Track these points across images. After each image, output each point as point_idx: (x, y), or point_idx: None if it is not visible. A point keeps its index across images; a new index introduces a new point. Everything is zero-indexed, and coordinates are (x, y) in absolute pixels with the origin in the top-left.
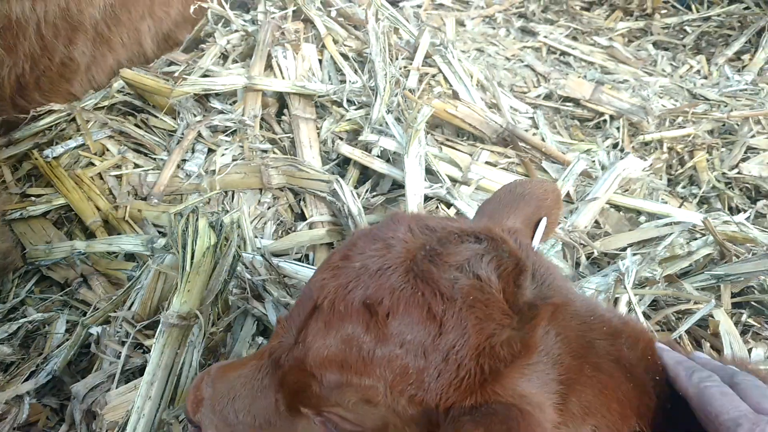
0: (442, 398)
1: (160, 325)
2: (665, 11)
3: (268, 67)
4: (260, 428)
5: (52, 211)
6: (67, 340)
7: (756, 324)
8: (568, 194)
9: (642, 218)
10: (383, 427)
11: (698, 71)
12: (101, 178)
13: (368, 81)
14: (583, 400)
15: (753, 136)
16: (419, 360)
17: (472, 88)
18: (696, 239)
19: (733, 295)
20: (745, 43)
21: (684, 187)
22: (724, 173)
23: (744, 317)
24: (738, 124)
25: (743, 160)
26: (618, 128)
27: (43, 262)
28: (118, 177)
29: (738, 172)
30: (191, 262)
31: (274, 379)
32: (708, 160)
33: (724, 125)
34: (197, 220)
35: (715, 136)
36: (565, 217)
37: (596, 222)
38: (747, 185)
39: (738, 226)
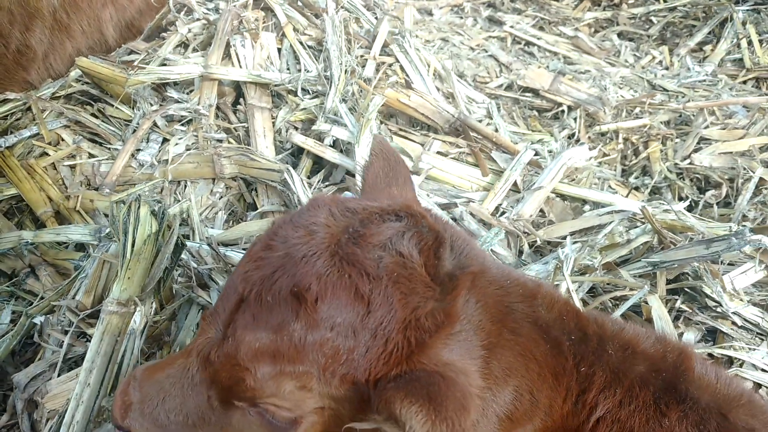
0: (371, 373)
1: (100, 313)
2: (633, 1)
3: (227, 56)
4: (194, 426)
5: (2, 201)
6: (11, 330)
7: (688, 309)
8: (515, 184)
9: (587, 207)
10: (319, 410)
11: (660, 62)
12: (54, 168)
13: (324, 70)
14: (504, 362)
15: (707, 127)
16: (349, 340)
17: (428, 78)
18: (636, 227)
19: (669, 282)
20: (708, 33)
21: (637, 178)
22: (676, 164)
23: (678, 303)
24: (693, 115)
25: (696, 150)
26: (575, 119)
27: None
28: (72, 167)
29: (690, 163)
30: (132, 250)
31: (205, 376)
32: (662, 151)
33: (680, 116)
34: (139, 208)
35: (671, 127)
36: (511, 207)
37: (541, 211)
38: (698, 176)
39: (677, 214)
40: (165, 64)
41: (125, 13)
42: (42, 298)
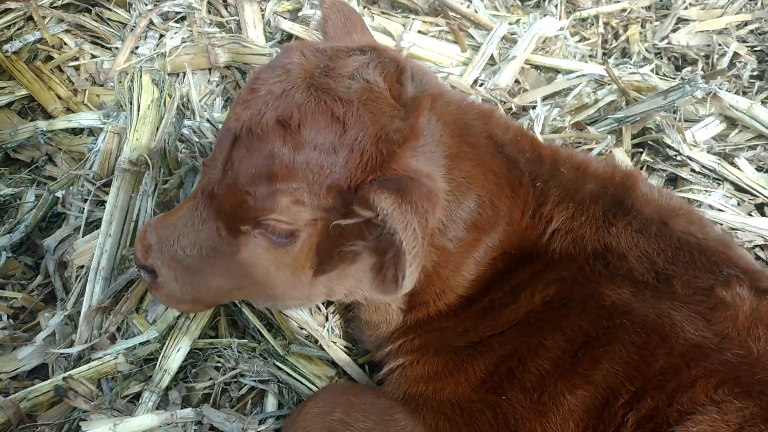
0: (351, 180)
1: (114, 171)
2: None
3: None
4: (207, 257)
5: (15, 102)
6: (36, 205)
7: (651, 160)
8: (491, 57)
9: (559, 77)
10: (312, 222)
11: None
12: (60, 69)
13: None
14: (464, 171)
15: (686, 8)
16: (331, 156)
17: None
18: (603, 89)
19: (634, 137)
20: None
21: (616, 59)
22: (654, 44)
23: (643, 156)
24: None
25: (674, 30)
26: (556, 6)
27: (9, 144)
28: (77, 68)
29: (668, 43)
30: (138, 114)
31: (212, 210)
32: (641, 33)
33: (660, 2)
34: (141, 77)
35: (651, 10)
36: (488, 78)
37: (517, 81)
38: (675, 54)
39: (642, 76)
40: None
41: None
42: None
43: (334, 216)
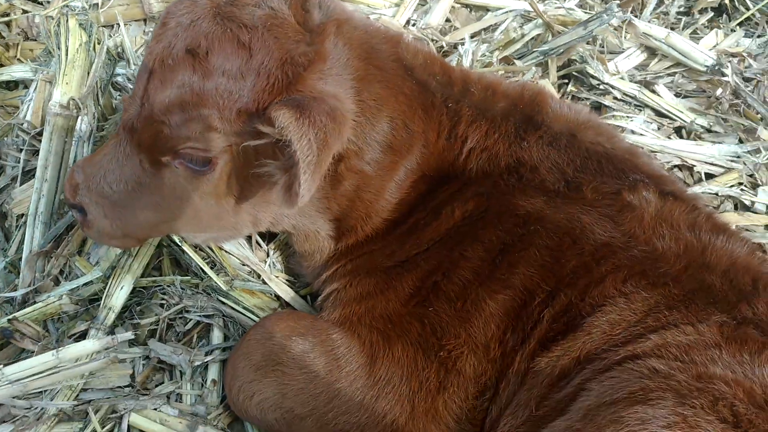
0: (260, 103)
1: (46, 117)
2: None
3: None
4: (133, 191)
5: None
6: None
7: (575, 90)
8: None
9: (489, 14)
10: (228, 149)
11: None
12: None
13: None
14: (374, 94)
15: None
16: (239, 81)
17: None
18: (529, 23)
19: (559, 69)
20: None
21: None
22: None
23: (569, 87)
24: None
25: None
26: None
27: None
28: (8, 24)
29: None
30: (66, 59)
31: (134, 144)
32: None
33: None
34: (68, 21)
35: None
36: (420, 18)
37: (447, 20)
38: None
39: (566, 10)
40: None
41: None
42: None
43: (246, 138)
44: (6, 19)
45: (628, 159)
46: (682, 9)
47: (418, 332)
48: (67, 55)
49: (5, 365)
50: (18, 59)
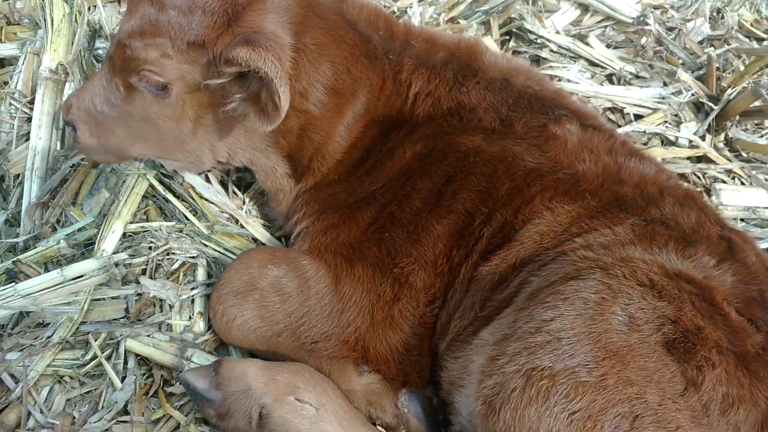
0: (206, 38)
1: (38, 81)
2: None
3: None
4: (112, 111)
5: None
6: None
7: (516, 45)
8: None
9: None
10: (180, 75)
11: None
12: None
13: None
14: (314, 39)
15: None
16: (188, 16)
17: None
18: None
19: (501, 27)
20: None
21: None
22: None
23: (510, 43)
24: None
25: None
26: None
27: None
28: None
29: None
30: (52, 28)
31: (112, 70)
32: None
33: None
34: None
35: None
36: None
37: None
38: None
39: None
40: None
41: None
42: None
43: (197, 72)
44: None
45: (554, 98)
46: None
47: (376, 255)
48: (52, 25)
49: (17, 283)
50: (2, 42)
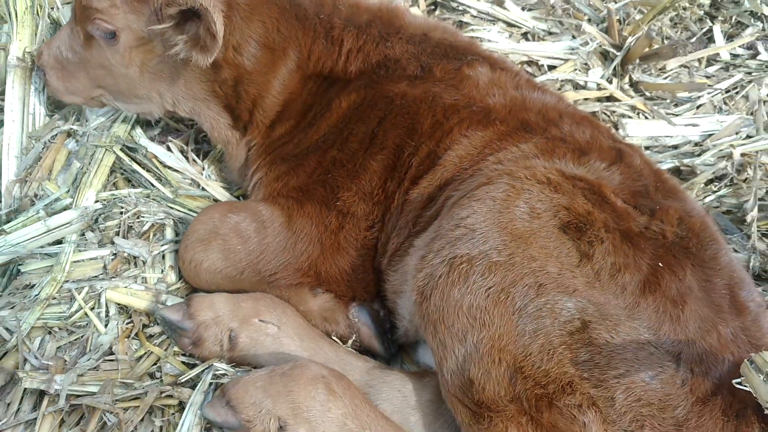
0: None
1: (7, 69)
2: None
3: None
4: (74, 56)
5: None
6: None
7: (440, 13)
8: None
9: None
10: (126, 24)
11: None
12: None
13: None
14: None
15: None
16: None
17: None
18: None
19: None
20: None
21: None
22: None
23: (436, 12)
24: None
25: None
26: None
27: None
28: None
29: None
30: (17, 19)
31: (74, 21)
32: None
33: None
34: None
35: None
36: None
37: None
38: None
39: None
40: None
41: None
42: None
43: (145, 23)
44: None
45: (467, 47)
46: None
47: (322, 193)
48: (17, 17)
49: (7, 234)
50: None
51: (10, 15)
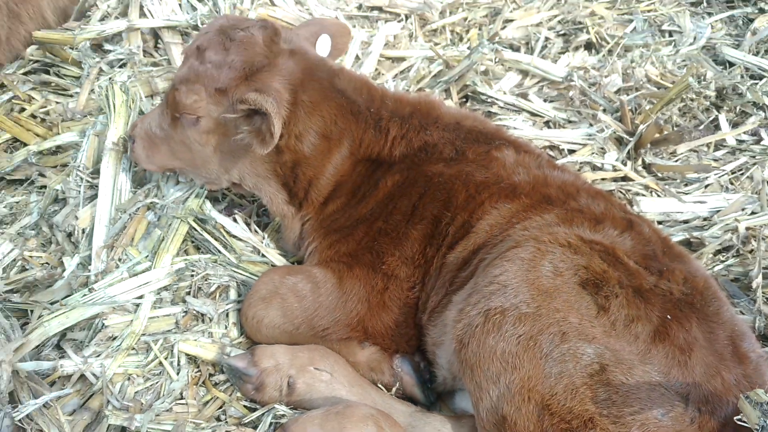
0: (228, 87)
1: (103, 150)
2: None
3: (142, 15)
4: (162, 134)
5: (2, 144)
6: (41, 199)
7: (471, 105)
8: (356, 56)
9: (404, 62)
10: (207, 112)
11: None
12: (34, 116)
13: (214, 7)
14: (310, 96)
15: (511, 11)
16: (218, 70)
17: (290, 1)
18: (434, 63)
19: (459, 92)
20: None
21: (459, 52)
22: (488, 40)
23: (468, 104)
24: (501, 7)
25: (502, 28)
26: (411, 23)
27: (7, 168)
28: (47, 113)
29: (498, 38)
30: (114, 110)
31: (165, 104)
32: (479, 35)
33: (493, 10)
34: (113, 86)
35: (487, 18)
36: (357, 69)
37: (376, 69)
38: (504, 45)
39: (460, 52)
40: None
41: (59, 2)
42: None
43: (219, 107)
44: (45, 109)
45: (495, 132)
46: (561, 49)
47: (369, 258)
48: (114, 109)
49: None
50: (59, 133)
51: (108, 107)
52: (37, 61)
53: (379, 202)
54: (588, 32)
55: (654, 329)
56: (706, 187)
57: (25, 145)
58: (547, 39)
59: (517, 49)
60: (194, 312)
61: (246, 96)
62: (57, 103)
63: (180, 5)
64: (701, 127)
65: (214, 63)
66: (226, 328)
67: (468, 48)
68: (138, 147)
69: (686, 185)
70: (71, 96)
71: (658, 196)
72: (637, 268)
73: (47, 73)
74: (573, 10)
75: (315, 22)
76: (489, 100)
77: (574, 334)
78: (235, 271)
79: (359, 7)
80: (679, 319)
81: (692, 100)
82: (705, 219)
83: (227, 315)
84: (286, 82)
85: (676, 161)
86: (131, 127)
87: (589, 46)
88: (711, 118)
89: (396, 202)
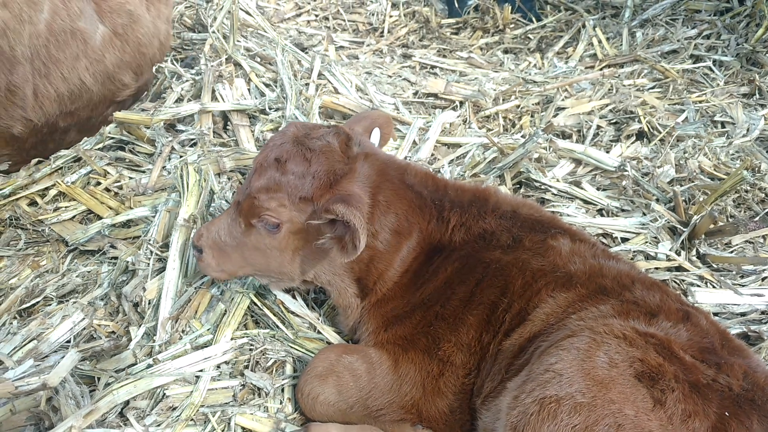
0: (314, 195)
1: (174, 226)
2: (513, 25)
3: (214, 98)
4: (233, 242)
5: (77, 215)
6: (112, 270)
7: (524, 192)
8: (414, 142)
9: (460, 148)
10: (290, 218)
11: (535, 65)
12: (108, 190)
13: (281, 93)
14: (386, 196)
15: (563, 99)
16: (301, 180)
17: (352, 89)
18: (488, 151)
19: (513, 178)
20: (569, 39)
21: (514, 140)
22: (543, 130)
23: (521, 191)
24: (553, 95)
25: (554, 116)
26: (465, 109)
27: (81, 240)
28: (120, 187)
29: (550, 125)
30: (187, 189)
31: (238, 212)
32: (531, 122)
33: (545, 98)
34: (187, 165)
35: (539, 105)
36: (413, 155)
37: (432, 154)
38: (557, 133)
39: (514, 140)
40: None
41: (101, 66)
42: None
43: (306, 217)
44: (119, 184)
45: (550, 221)
46: (612, 137)
47: (425, 343)
48: (187, 188)
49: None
50: (132, 207)
51: (182, 186)
52: (112, 138)
53: (438, 288)
54: (639, 121)
55: (712, 425)
56: (763, 279)
57: (100, 217)
58: (599, 127)
59: (569, 137)
60: (251, 386)
61: (333, 207)
62: (130, 178)
63: (249, 90)
64: (757, 218)
65: (297, 174)
66: (281, 403)
67: (522, 136)
68: (207, 256)
69: (742, 277)
70: (143, 172)
71: (714, 287)
72: (694, 362)
73: (122, 149)
74: (624, 99)
75: (365, 116)
76: (543, 187)
77: (630, 426)
78: (291, 347)
79: (415, 94)
80: (739, 416)
81: (747, 191)
82: (763, 312)
83: (283, 390)
84: (365, 187)
85: (732, 252)
86: (197, 237)
87: (640, 135)
88: (767, 210)
89: (454, 288)
